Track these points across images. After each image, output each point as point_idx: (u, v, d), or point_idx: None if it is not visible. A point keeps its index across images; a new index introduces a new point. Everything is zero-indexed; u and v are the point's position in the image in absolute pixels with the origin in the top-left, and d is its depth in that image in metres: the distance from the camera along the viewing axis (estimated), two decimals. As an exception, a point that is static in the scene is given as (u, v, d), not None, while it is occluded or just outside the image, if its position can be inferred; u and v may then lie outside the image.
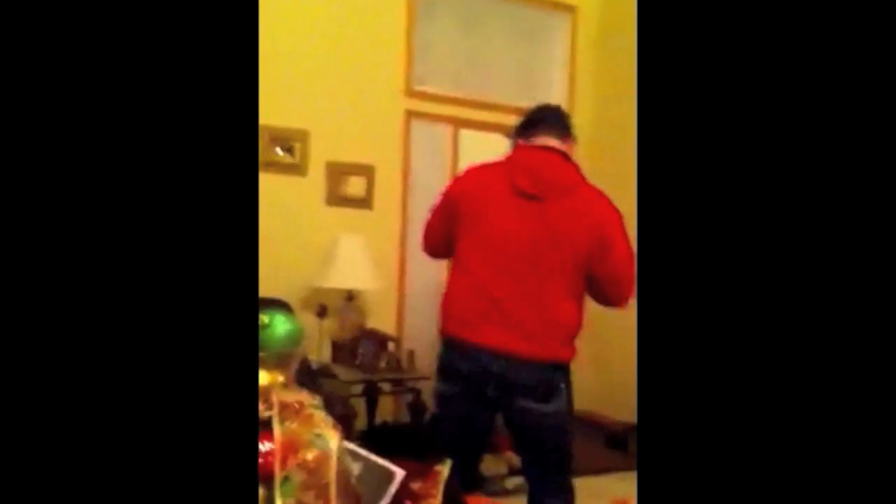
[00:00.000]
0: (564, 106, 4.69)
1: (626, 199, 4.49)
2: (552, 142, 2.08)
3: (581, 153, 5.04)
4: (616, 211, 2.05)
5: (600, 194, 2.08)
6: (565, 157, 2.08)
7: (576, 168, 2.08)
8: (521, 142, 2.13)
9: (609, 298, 2.08)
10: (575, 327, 2.07)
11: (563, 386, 2.06)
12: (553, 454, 2.13)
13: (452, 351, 2.06)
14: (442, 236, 2.17)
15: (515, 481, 3.44)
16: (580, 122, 4.89)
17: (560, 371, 2.05)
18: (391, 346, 3.70)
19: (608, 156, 4.72)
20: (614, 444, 4.20)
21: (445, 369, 2.09)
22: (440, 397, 2.12)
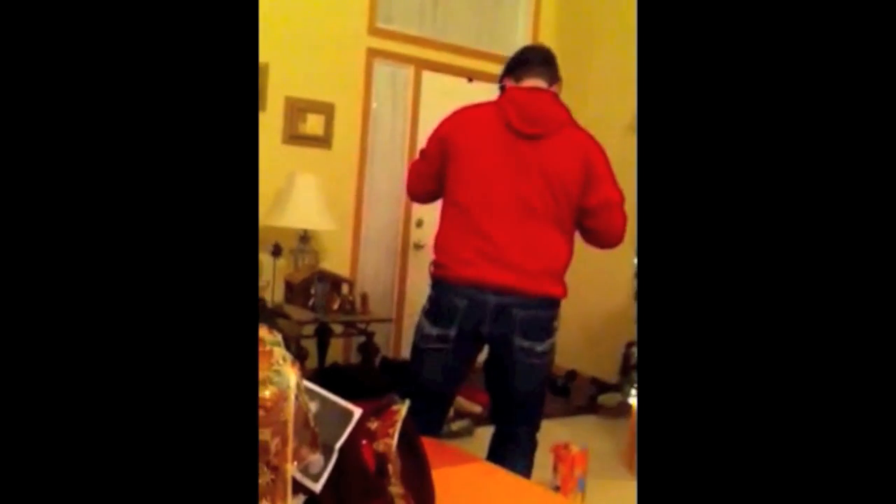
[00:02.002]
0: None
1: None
2: (542, 83, 2.11)
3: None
4: (601, 149, 2.11)
5: (587, 134, 2.13)
6: (555, 97, 2.12)
7: (565, 108, 2.12)
8: (510, 83, 2.15)
9: (602, 232, 2.12)
10: (566, 264, 2.11)
11: (555, 324, 2.11)
12: (533, 396, 2.17)
13: (447, 289, 2.06)
14: (432, 177, 2.16)
15: (461, 424, 3.52)
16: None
17: (553, 308, 2.10)
18: (345, 287, 3.69)
19: (567, 100, 4.71)
20: (554, 391, 4.30)
21: (437, 308, 2.08)
22: (425, 339, 2.10)
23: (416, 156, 2.31)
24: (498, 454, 2.12)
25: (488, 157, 2.03)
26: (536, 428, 2.22)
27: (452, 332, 2.05)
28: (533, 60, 2.14)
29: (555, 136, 2.04)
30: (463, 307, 2.03)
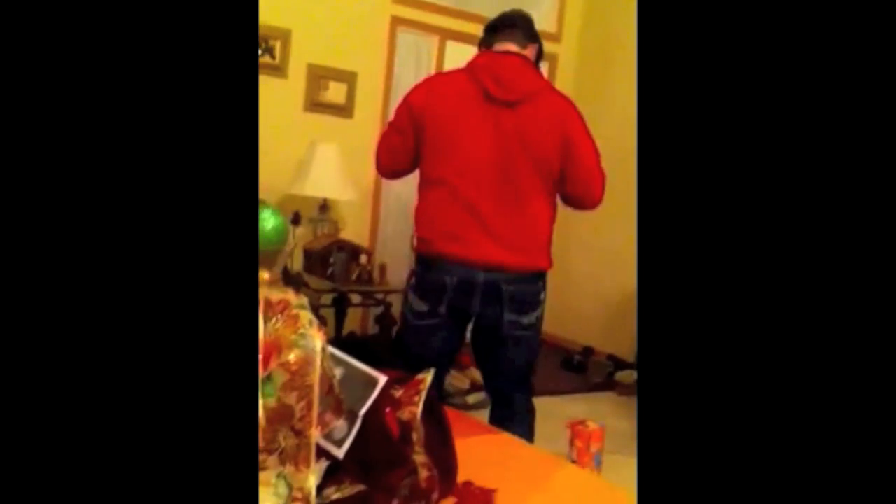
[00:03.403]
0: (554, 25, 4.63)
1: (609, 123, 4.45)
2: (513, 47, 2.05)
3: (567, 76, 4.97)
4: (579, 113, 2.06)
5: (564, 98, 2.08)
6: (526, 60, 2.05)
7: (538, 73, 2.08)
8: (482, 49, 2.10)
9: (580, 197, 2.08)
10: (550, 234, 2.08)
11: (542, 297, 2.08)
12: (522, 369, 2.16)
13: (433, 266, 2.02)
14: (404, 150, 2.07)
15: (477, 397, 3.52)
16: (568, 41, 4.81)
17: (540, 281, 2.07)
18: (363, 258, 3.68)
19: (594, 79, 4.65)
20: (570, 367, 4.29)
21: (424, 285, 2.05)
22: (415, 315, 2.07)
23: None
24: (498, 422, 2.12)
25: (468, 126, 1.97)
26: (531, 394, 2.21)
27: (442, 309, 2.02)
28: (504, 25, 2.08)
29: (532, 101, 1.97)
30: (452, 284, 1.99)
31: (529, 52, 2.08)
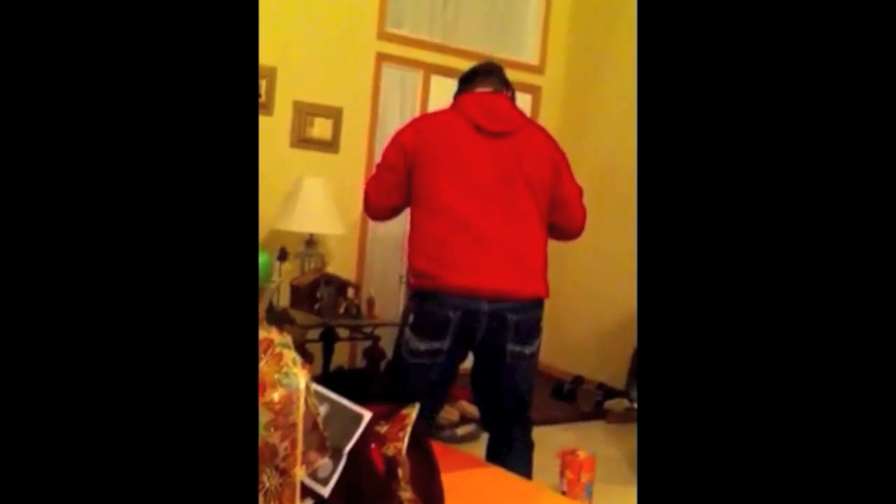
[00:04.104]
0: (538, 58, 4.70)
1: (596, 153, 4.49)
2: (490, 89, 2.12)
3: (552, 105, 5.03)
4: (559, 145, 2.15)
5: (546, 131, 2.17)
6: (510, 99, 2.13)
7: (519, 110, 2.14)
8: (461, 95, 2.15)
9: (566, 226, 2.14)
10: (546, 260, 2.10)
11: (542, 325, 2.09)
12: (522, 399, 2.14)
13: (437, 300, 1.98)
14: (397, 187, 2.07)
15: (467, 429, 3.50)
16: (553, 73, 4.88)
17: (541, 309, 2.08)
18: (350, 291, 3.68)
19: (579, 110, 4.71)
20: (560, 395, 4.28)
21: (424, 322, 2.00)
22: (415, 353, 2.02)
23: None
24: (496, 459, 2.11)
25: (464, 159, 2.00)
26: (530, 427, 2.20)
27: (445, 345, 1.99)
28: (479, 72, 2.15)
29: (521, 133, 2.05)
30: (456, 318, 1.96)
31: (505, 94, 2.14)
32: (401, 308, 4.35)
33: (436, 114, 2.18)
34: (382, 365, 3.81)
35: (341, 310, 3.59)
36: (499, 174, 1.99)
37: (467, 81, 2.15)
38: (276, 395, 0.89)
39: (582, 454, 2.80)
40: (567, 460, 2.78)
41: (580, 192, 2.14)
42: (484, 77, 2.13)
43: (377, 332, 3.74)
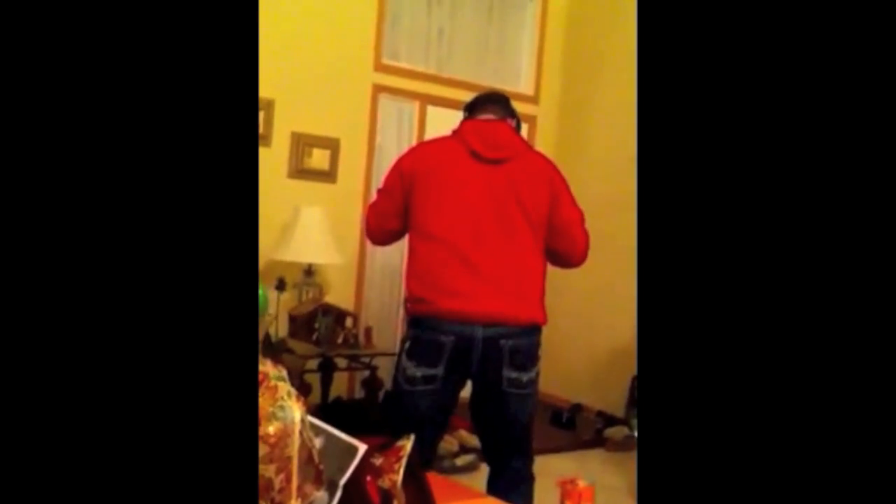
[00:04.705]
0: (532, 88, 4.75)
1: (592, 181, 4.53)
2: (493, 117, 2.14)
3: (547, 134, 5.08)
4: (559, 170, 2.16)
5: (545, 157, 2.19)
6: (510, 126, 2.15)
7: (521, 137, 2.16)
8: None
9: (566, 253, 2.13)
10: (544, 287, 2.10)
11: (539, 352, 2.09)
12: (522, 429, 2.13)
13: (431, 326, 2.00)
14: (397, 215, 2.11)
15: (466, 459, 3.48)
16: (547, 103, 4.93)
17: (538, 335, 2.08)
18: (349, 321, 3.68)
19: (574, 139, 4.75)
20: (559, 424, 4.26)
21: (419, 348, 2.02)
22: (408, 380, 2.03)
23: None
24: (497, 491, 2.09)
25: (460, 185, 2.02)
26: (531, 459, 2.18)
27: (440, 372, 2.00)
28: (484, 100, 2.18)
29: (518, 159, 2.06)
30: (450, 344, 1.97)
31: (511, 123, 2.16)
32: (398, 338, 4.35)
33: (436, 140, 2.19)
34: (381, 395, 3.80)
35: (339, 339, 3.59)
36: (493, 200, 2.01)
37: (472, 109, 2.18)
38: (271, 429, 0.89)
39: (581, 483, 2.77)
40: (567, 490, 2.76)
41: (581, 217, 2.13)
42: (488, 105, 2.16)
43: (375, 361, 3.73)
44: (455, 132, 2.13)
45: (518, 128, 2.20)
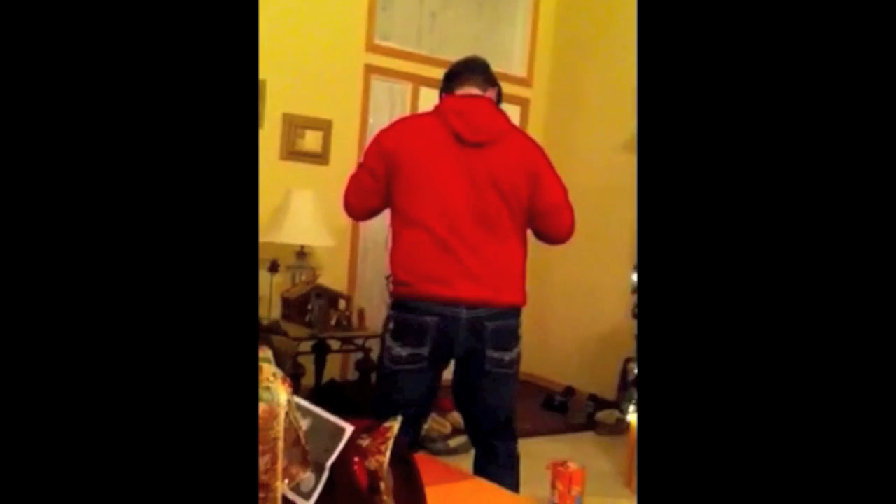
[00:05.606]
0: (525, 71, 4.73)
1: (584, 165, 4.51)
2: (475, 91, 2.12)
3: (539, 119, 5.06)
4: (543, 151, 2.14)
5: (528, 137, 2.17)
6: (492, 103, 2.12)
7: (504, 114, 2.14)
8: (444, 95, 2.16)
9: (551, 231, 2.14)
10: (524, 270, 2.12)
11: (520, 332, 2.11)
12: (505, 408, 2.15)
13: (413, 308, 2.03)
14: (377, 192, 2.10)
15: (459, 440, 3.50)
16: (540, 85, 4.90)
17: (518, 317, 2.10)
18: (342, 303, 3.68)
19: (567, 121, 4.74)
20: (551, 407, 4.28)
21: (404, 329, 2.05)
22: (394, 360, 2.06)
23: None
24: (484, 472, 2.11)
25: (441, 168, 2.01)
26: (515, 440, 2.21)
27: (425, 351, 2.03)
28: (463, 70, 2.15)
29: (500, 142, 2.04)
30: (434, 324, 2.00)
31: (490, 95, 2.14)
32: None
33: (418, 117, 2.19)
34: (374, 376, 3.81)
35: (333, 322, 3.59)
36: (475, 185, 2.01)
37: (452, 79, 2.15)
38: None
39: (572, 466, 2.79)
40: (557, 472, 2.78)
41: (565, 194, 2.12)
42: (468, 76, 2.13)
43: (369, 343, 3.73)
44: (437, 109, 2.10)
45: (499, 97, 2.18)
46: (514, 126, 2.14)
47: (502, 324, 2.04)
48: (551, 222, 2.12)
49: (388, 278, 2.14)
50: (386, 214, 2.19)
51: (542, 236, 2.17)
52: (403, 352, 2.04)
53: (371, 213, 2.22)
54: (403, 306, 2.06)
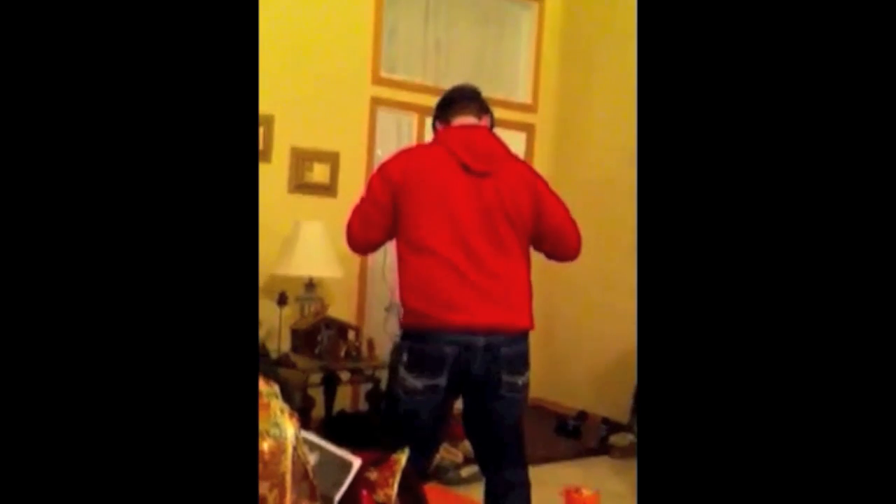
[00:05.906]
0: (530, 97, 4.77)
1: (590, 189, 4.52)
2: (472, 119, 2.16)
3: (544, 145, 5.08)
4: (540, 175, 2.21)
5: (522, 161, 2.25)
6: (490, 131, 2.17)
7: (502, 142, 2.18)
8: (440, 125, 2.19)
9: (558, 251, 2.19)
10: (531, 293, 2.14)
11: (529, 356, 2.12)
12: (516, 433, 2.15)
13: (432, 337, 2.01)
14: (381, 225, 2.10)
15: (471, 470, 3.47)
16: (545, 111, 4.94)
17: (528, 340, 2.12)
18: (351, 334, 3.69)
19: (571, 149, 4.77)
20: (564, 432, 4.25)
21: (420, 360, 2.02)
22: (412, 391, 2.03)
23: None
24: (494, 501, 2.11)
25: (452, 195, 2.04)
26: (525, 466, 2.20)
27: (442, 382, 2.02)
28: (459, 98, 2.19)
29: (503, 169, 2.09)
30: (453, 354, 2.00)
31: (484, 122, 2.19)
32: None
33: (423, 147, 2.22)
34: (383, 406, 3.80)
35: (342, 353, 3.60)
36: (483, 212, 2.04)
37: (446, 108, 2.19)
38: (265, 446, 0.90)
39: (586, 491, 2.77)
40: (571, 498, 2.76)
41: (567, 213, 2.17)
42: (464, 104, 2.17)
43: (378, 373, 3.73)
44: (438, 140, 2.14)
45: (492, 124, 2.22)
46: (510, 152, 2.19)
47: (516, 349, 2.06)
48: (559, 242, 2.17)
49: (387, 309, 2.15)
50: (394, 248, 2.20)
51: (553, 256, 2.22)
52: (419, 383, 2.02)
53: (375, 246, 2.24)
54: (418, 337, 2.04)
